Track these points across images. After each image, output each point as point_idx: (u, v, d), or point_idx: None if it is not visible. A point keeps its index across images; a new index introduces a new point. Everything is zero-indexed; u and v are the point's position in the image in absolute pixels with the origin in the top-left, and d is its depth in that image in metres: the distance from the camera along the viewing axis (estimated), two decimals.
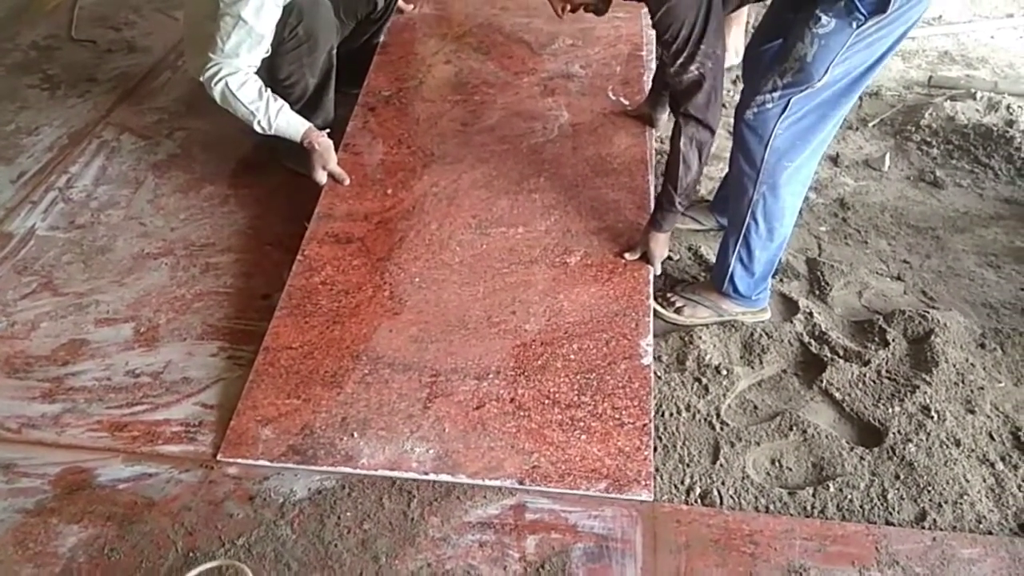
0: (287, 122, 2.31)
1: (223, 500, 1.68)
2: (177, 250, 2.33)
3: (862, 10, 1.69)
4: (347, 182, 2.37)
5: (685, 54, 1.85)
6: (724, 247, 2.14)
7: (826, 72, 1.78)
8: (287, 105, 2.31)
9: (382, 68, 2.65)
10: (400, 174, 2.39)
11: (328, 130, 2.44)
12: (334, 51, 2.53)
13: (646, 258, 2.15)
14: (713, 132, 1.96)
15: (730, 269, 2.11)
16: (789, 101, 1.85)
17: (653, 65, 2.71)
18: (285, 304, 2.04)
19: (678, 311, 2.20)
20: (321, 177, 2.38)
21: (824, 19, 1.73)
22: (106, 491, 1.70)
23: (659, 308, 2.20)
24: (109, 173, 2.64)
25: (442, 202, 2.30)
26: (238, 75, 2.22)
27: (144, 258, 2.30)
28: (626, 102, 2.62)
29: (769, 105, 1.88)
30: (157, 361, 2.00)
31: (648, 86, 2.65)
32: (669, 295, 2.23)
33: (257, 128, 2.29)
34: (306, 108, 2.51)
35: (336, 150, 2.41)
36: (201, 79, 2.23)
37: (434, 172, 2.39)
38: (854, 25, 1.72)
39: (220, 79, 2.21)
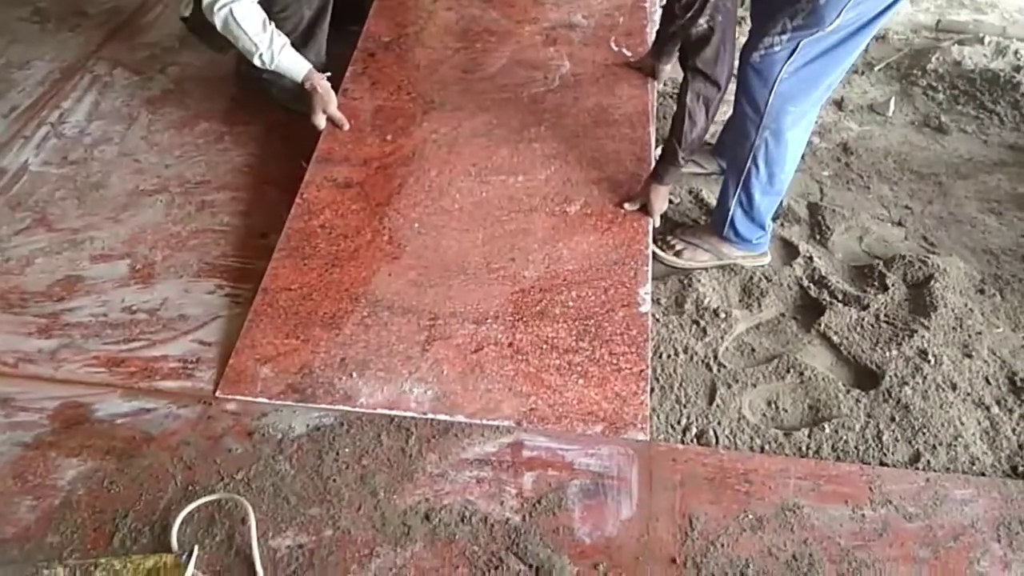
0: (290, 60, 2.25)
1: (222, 435, 1.68)
2: (172, 187, 2.30)
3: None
4: (346, 127, 2.33)
5: (695, 6, 1.78)
6: (724, 191, 2.13)
7: (838, 15, 1.75)
8: (289, 41, 2.26)
9: (382, 13, 2.59)
10: (399, 120, 2.36)
11: (328, 73, 2.39)
12: None
13: (646, 209, 2.10)
14: (720, 88, 1.90)
15: (730, 213, 2.10)
16: (798, 45, 1.81)
17: (657, 16, 2.65)
18: (283, 246, 2.03)
19: (678, 254, 2.19)
20: (320, 121, 2.33)
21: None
22: (104, 426, 1.71)
23: (659, 251, 2.19)
24: (102, 108, 2.59)
25: (442, 149, 2.27)
26: (242, 2, 2.14)
27: (139, 195, 2.27)
28: (628, 53, 2.58)
29: (777, 48, 1.84)
30: (154, 298, 1.99)
31: (651, 37, 2.60)
32: (669, 238, 2.23)
33: (257, 62, 2.23)
34: (298, 42, 2.45)
35: (335, 93, 2.37)
36: (203, 4, 2.15)
37: (434, 119, 2.36)
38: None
39: (224, 5, 2.13)
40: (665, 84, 2.75)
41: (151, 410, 1.74)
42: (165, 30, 2.95)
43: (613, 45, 2.63)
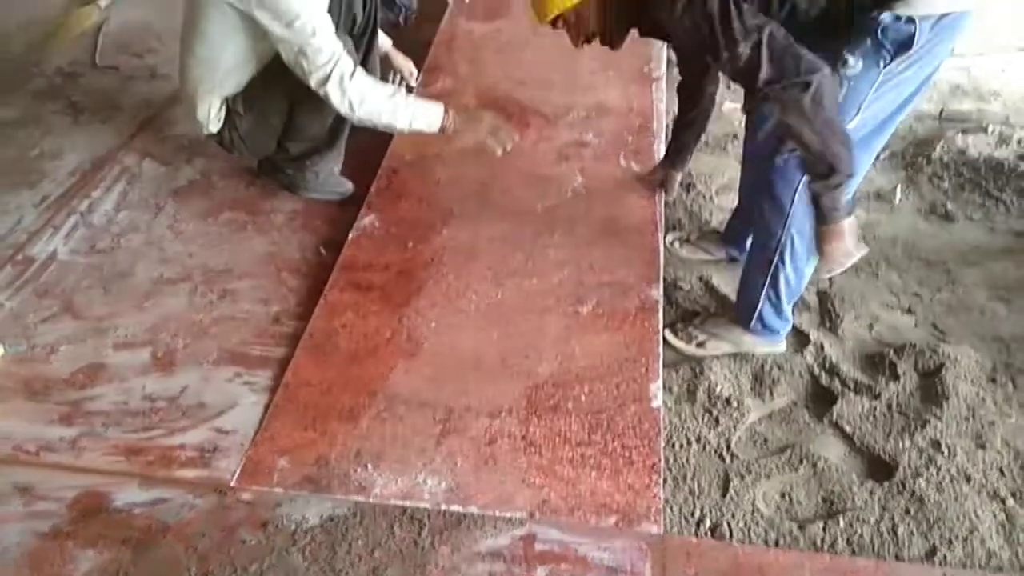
0: (422, 107, 2.21)
1: (237, 526, 1.70)
2: (195, 275, 2.37)
3: (888, 48, 1.66)
4: (516, 139, 2.31)
5: (723, 42, 1.64)
6: (750, 285, 2.12)
7: (857, 114, 1.75)
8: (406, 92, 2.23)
9: (404, 137, 2.70)
10: (420, 229, 2.47)
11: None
12: None
13: (826, 257, 1.82)
14: (806, 80, 1.59)
15: (758, 307, 2.10)
16: None
17: (664, 135, 2.81)
18: (306, 344, 2.10)
19: (700, 345, 2.20)
20: (488, 142, 2.28)
21: (851, 60, 1.70)
22: (122, 515, 1.73)
23: (679, 343, 2.21)
24: (130, 198, 2.68)
25: (460, 255, 2.37)
26: (351, 67, 2.13)
27: (163, 283, 2.34)
28: (637, 168, 2.70)
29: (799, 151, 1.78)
30: (174, 386, 2.03)
31: (659, 154, 2.70)
32: (690, 329, 2.23)
33: (399, 125, 2.18)
34: (324, 147, 2.56)
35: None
36: (322, 92, 2.13)
37: (453, 228, 2.47)
38: (881, 65, 1.68)
39: (341, 79, 2.10)
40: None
41: (168, 499, 1.76)
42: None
43: (622, 161, 2.75)
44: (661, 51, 3.30)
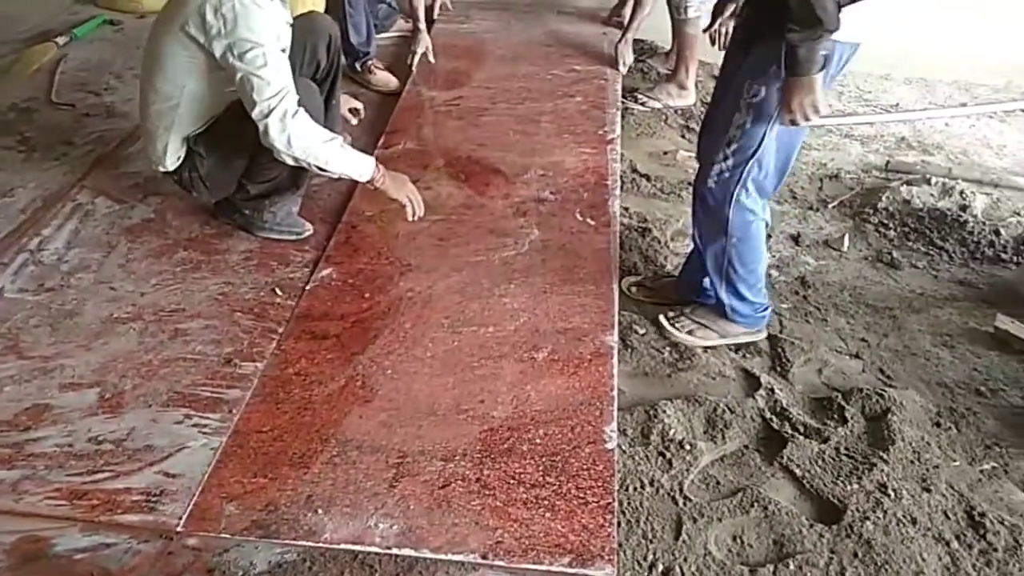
0: (356, 157, 2.32)
1: (181, 572, 1.65)
2: (146, 315, 2.33)
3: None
4: (421, 211, 2.50)
5: None
6: (715, 290, 2.33)
7: (764, 136, 2.02)
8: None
9: (365, 193, 2.77)
10: (378, 281, 2.49)
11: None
12: None
13: (789, 107, 1.94)
14: None
15: (727, 306, 2.34)
16: (742, 174, 2.06)
17: (617, 192, 2.94)
18: (258, 392, 2.08)
19: (690, 333, 2.40)
20: (405, 200, 2.45)
21: (755, 87, 1.96)
22: (62, 561, 1.67)
23: (672, 329, 2.40)
24: (82, 236, 2.64)
25: (417, 305, 2.39)
26: (295, 106, 2.19)
27: (112, 322, 2.30)
28: (592, 223, 2.77)
29: (727, 174, 2.10)
30: (121, 428, 1.98)
31: (614, 209, 2.83)
32: (681, 317, 2.42)
33: (330, 168, 2.28)
34: (286, 188, 2.57)
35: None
36: (262, 124, 2.18)
37: (410, 279, 2.50)
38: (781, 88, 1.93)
39: (283, 115, 2.16)
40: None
41: (111, 545, 1.71)
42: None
43: (578, 216, 2.81)
44: (616, 116, 3.41)
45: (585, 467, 1.89)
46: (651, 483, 1.96)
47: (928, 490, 1.97)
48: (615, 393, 2.10)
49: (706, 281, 2.42)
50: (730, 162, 2.08)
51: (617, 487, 1.88)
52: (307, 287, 2.45)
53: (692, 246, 2.47)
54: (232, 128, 2.36)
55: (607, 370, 2.17)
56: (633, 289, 2.59)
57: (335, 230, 2.71)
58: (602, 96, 3.58)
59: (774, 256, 2.84)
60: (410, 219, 2.48)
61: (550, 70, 3.76)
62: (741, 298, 2.31)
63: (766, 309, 2.39)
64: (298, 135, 2.18)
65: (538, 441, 1.96)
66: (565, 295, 2.43)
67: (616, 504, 1.82)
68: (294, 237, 2.66)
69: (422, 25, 3.75)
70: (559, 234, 2.70)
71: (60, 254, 2.56)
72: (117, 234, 2.66)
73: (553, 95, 3.59)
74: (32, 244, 2.60)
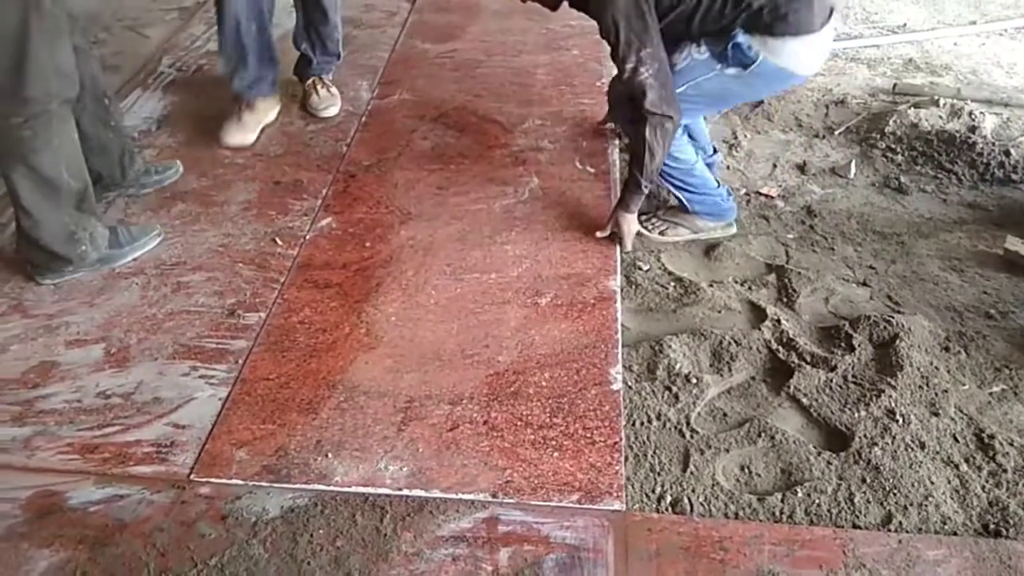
0: None
1: (195, 520, 1.68)
2: (148, 269, 2.32)
3: (730, 59, 2.12)
4: None
5: (631, 61, 2.07)
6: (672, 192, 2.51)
7: (683, 85, 2.17)
8: None
9: (362, 142, 2.75)
10: (378, 230, 2.48)
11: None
12: None
13: (615, 237, 2.38)
14: (674, 118, 2.15)
15: (683, 201, 2.47)
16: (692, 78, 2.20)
17: (618, 141, 2.91)
18: (263, 341, 2.09)
19: (662, 233, 2.52)
20: None
21: (704, 47, 2.15)
22: (77, 514, 1.70)
23: (645, 231, 2.48)
24: None
25: (418, 253, 2.38)
26: None
27: (115, 278, 2.29)
28: (592, 170, 2.74)
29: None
30: (128, 382, 2.00)
31: (613, 156, 2.81)
32: (653, 219, 2.54)
33: None
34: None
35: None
36: None
37: (411, 228, 2.48)
38: (719, 67, 2.15)
39: None
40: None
41: (124, 496, 1.73)
42: (144, 113, 3.01)
43: (578, 164, 2.78)
44: (613, 69, 3.32)
45: (591, 408, 1.90)
46: (658, 417, 1.97)
47: (937, 414, 1.96)
48: (619, 336, 2.10)
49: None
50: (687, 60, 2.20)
51: (624, 423, 1.89)
52: (307, 236, 2.43)
53: None
54: None
55: (611, 313, 2.17)
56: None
57: (332, 179, 2.68)
58: (599, 50, 3.50)
59: (780, 185, 2.80)
60: None
61: (546, 24, 3.68)
62: (690, 190, 2.43)
63: (727, 201, 2.51)
64: None
65: (544, 384, 1.97)
66: (567, 241, 2.42)
67: (623, 443, 1.83)
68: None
69: None
70: (559, 182, 2.69)
71: None
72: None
73: (549, 48, 3.53)
74: None
